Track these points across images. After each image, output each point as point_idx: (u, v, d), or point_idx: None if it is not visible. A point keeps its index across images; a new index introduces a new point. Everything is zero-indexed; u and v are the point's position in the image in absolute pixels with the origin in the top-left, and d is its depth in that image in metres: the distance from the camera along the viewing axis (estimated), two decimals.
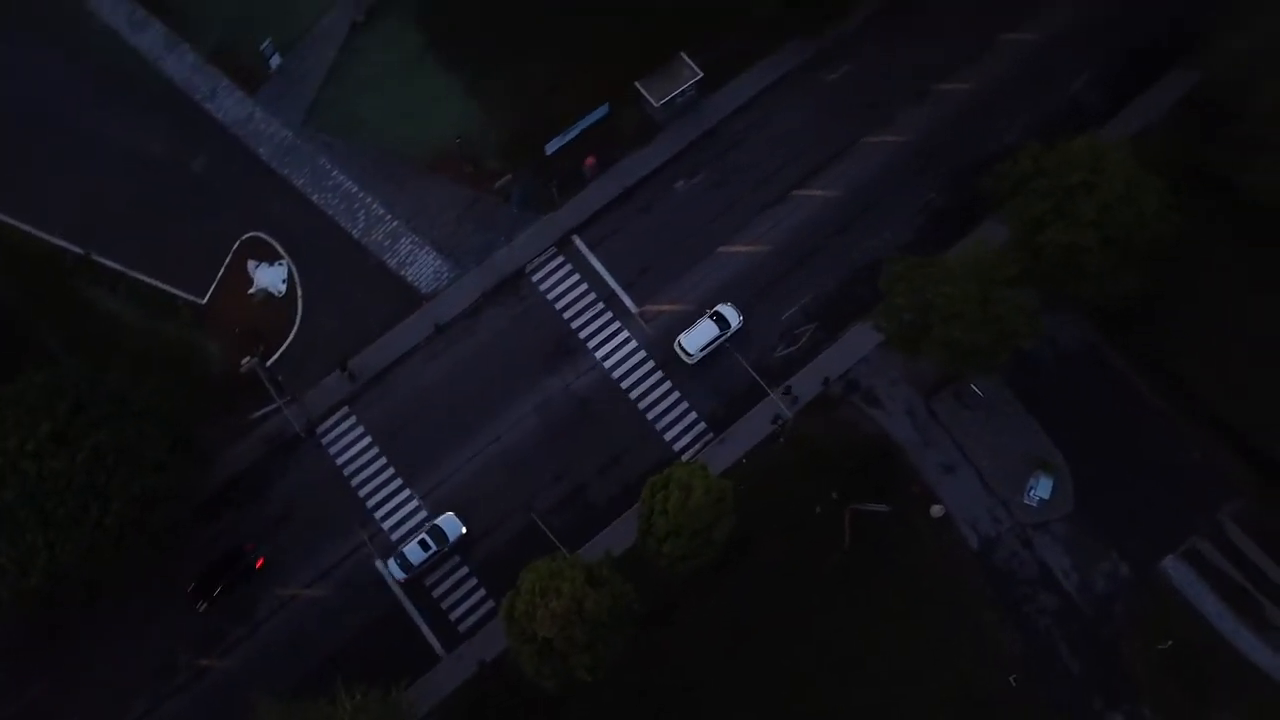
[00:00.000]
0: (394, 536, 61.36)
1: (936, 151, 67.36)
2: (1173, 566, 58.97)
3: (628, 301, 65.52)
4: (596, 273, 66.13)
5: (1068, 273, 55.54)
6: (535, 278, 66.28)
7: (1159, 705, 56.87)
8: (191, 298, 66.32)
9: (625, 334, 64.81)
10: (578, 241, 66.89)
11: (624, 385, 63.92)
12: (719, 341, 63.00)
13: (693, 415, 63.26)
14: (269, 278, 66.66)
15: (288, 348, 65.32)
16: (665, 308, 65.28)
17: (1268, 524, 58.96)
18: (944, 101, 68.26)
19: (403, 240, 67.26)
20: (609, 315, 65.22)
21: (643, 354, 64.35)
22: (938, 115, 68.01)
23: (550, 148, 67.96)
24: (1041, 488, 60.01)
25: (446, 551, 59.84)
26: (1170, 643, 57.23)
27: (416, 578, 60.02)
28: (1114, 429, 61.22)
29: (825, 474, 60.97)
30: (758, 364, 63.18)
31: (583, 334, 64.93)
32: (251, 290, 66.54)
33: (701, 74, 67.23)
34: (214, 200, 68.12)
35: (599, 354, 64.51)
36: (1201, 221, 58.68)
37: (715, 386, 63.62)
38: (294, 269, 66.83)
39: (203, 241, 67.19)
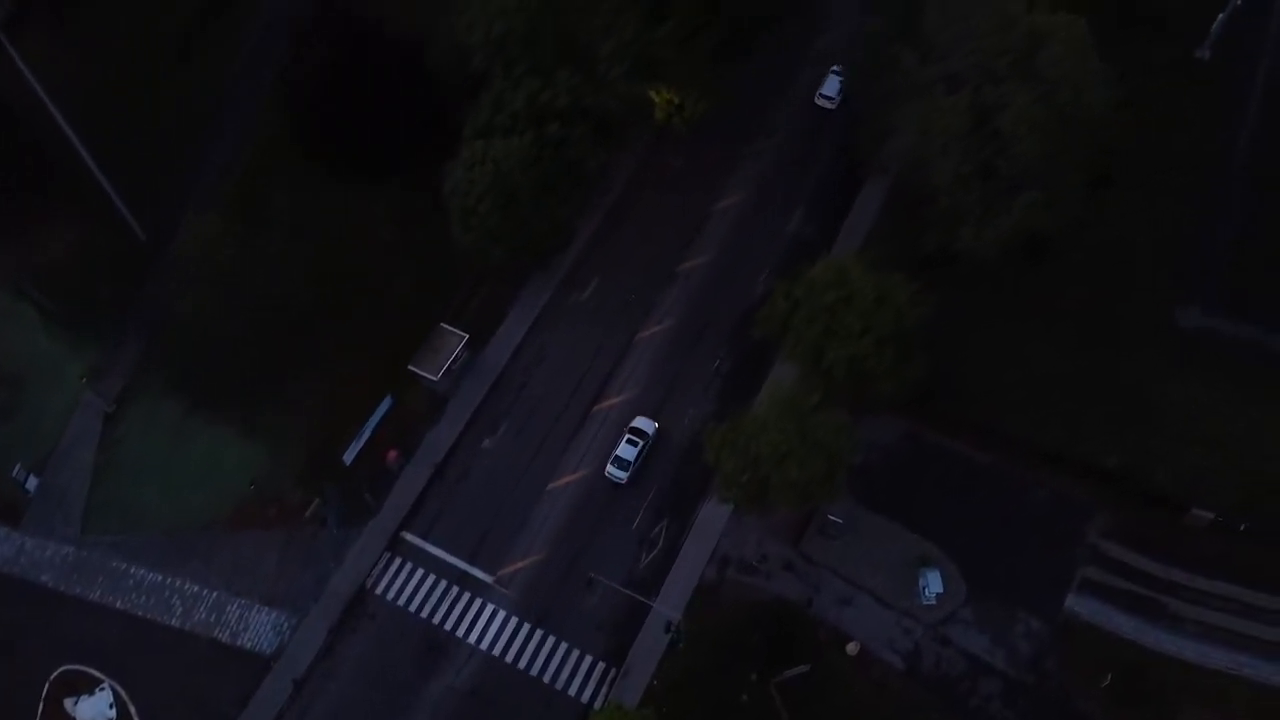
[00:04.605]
0: None
1: (704, 323, 71.02)
2: (1076, 603, 60.41)
3: (480, 574, 63.25)
4: (439, 559, 63.79)
5: (859, 380, 58.68)
6: (379, 590, 63.06)
7: None
8: None
9: (490, 606, 62.21)
10: (409, 536, 64.66)
11: (508, 659, 60.71)
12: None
13: (588, 659, 60.60)
14: (93, 710, 60.22)
15: None
16: (519, 565, 63.46)
17: (1131, 529, 61.95)
18: (691, 278, 72.74)
19: (229, 609, 62.70)
20: (467, 595, 62.61)
21: (515, 619, 61.72)
22: (690, 292, 72.20)
23: (348, 457, 66.62)
24: (933, 583, 60.78)
25: (650, 445, 65.38)
26: (1109, 676, 57.79)
27: (634, 476, 64.44)
28: (964, 500, 63.52)
29: (736, 660, 59.40)
30: (628, 580, 61.94)
31: (448, 625, 61.75)
32: None
33: (466, 335, 68.74)
34: (4, 652, 61.59)
35: (471, 639, 61.33)
36: (945, 293, 63.75)
37: (597, 621, 61.57)
38: (119, 689, 60.59)
39: (3, 701, 59.98)
